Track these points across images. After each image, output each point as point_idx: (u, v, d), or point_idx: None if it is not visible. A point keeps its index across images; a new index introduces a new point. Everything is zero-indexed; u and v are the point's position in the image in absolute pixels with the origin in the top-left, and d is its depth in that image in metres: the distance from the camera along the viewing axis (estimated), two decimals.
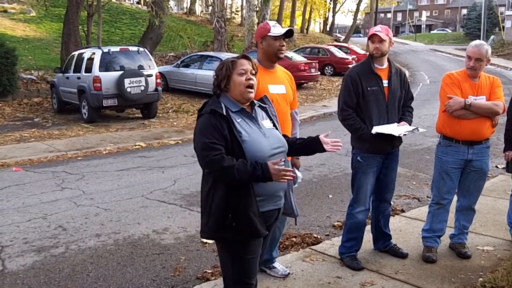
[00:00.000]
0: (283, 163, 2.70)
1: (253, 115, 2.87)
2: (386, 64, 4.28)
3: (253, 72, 2.85)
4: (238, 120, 2.77)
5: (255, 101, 2.94)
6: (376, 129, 4.10)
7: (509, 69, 27.63)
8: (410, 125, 4.30)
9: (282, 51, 3.81)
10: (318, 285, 4.00)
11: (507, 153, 4.87)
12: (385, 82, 4.23)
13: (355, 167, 4.34)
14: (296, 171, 4.18)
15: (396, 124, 4.22)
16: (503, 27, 42.16)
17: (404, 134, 4.11)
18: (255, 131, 2.80)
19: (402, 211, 6.04)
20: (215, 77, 2.87)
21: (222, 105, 2.77)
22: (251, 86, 2.81)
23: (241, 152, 2.68)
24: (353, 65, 4.98)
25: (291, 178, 2.66)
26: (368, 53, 4.36)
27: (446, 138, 4.41)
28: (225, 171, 2.62)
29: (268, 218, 2.86)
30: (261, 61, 3.86)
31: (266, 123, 2.92)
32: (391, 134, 4.09)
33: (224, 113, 2.72)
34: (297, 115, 4.21)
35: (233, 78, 2.80)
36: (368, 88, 4.16)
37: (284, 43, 3.80)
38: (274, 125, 2.97)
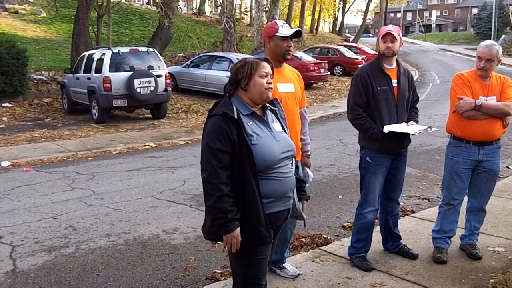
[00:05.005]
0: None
1: (264, 119, 2.86)
2: (394, 64, 4.27)
3: (272, 77, 2.87)
4: (249, 124, 2.76)
5: (267, 104, 2.93)
6: (388, 128, 4.08)
7: None
8: (417, 124, 4.29)
9: (290, 52, 3.76)
10: (328, 286, 4.00)
11: None
12: (394, 82, 4.21)
13: (364, 167, 4.32)
14: (308, 170, 4.18)
15: (405, 124, 4.21)
16: None
17: (420, 132, 4.10)
18: (266, 134, 2.79)
19: (412, 211, 6.02)
20: (234, 74, 2.84)
21: (234, 107, 2.76)
22: (271, 89, 2.83)
23: (250, 155, 2.66)
24: (362, 65, 4.96)
25: (234, 251, 2.71)
26: (378, 52, 4.35)
27: (457, 139, 4.39)
28: (214, 187, 2.64)
29: (278, 219, 2.84)
30: None
31: (276, 126, 2.91)
32: (403, 133, 4.08)
33: (235, 117, 2.71)
34: (306, 114, 4.19)
35: (254, 79, 2.79)
36: (378, 88, 4.14)
37: (292, 44, 3.75)
38: (283, 128, 2.96)
